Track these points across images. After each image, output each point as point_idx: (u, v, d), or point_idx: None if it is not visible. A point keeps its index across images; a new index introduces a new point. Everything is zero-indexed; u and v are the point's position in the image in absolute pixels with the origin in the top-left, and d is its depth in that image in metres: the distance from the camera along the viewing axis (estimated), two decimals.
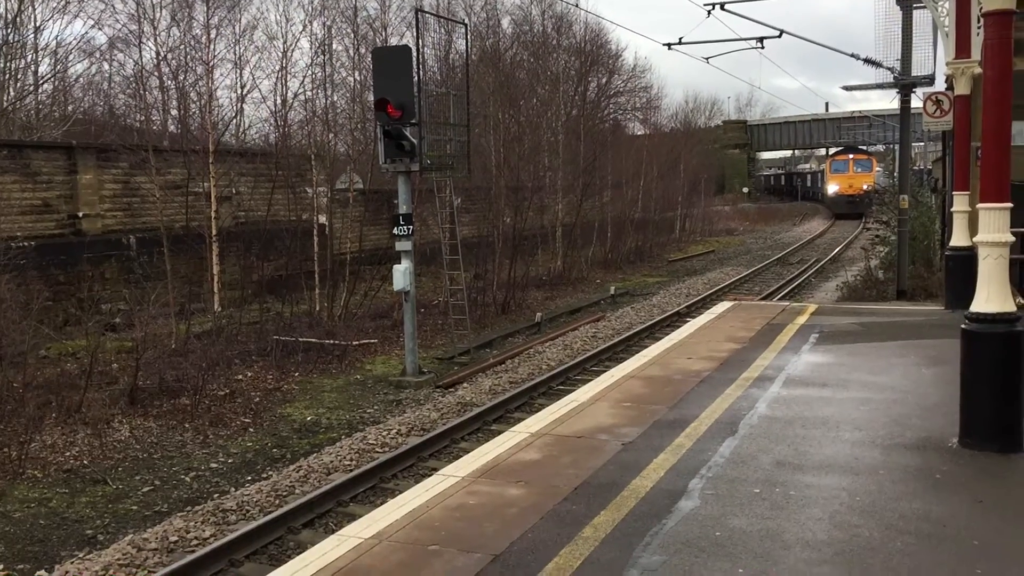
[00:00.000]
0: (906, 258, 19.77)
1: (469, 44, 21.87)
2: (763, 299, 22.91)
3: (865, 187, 58.49)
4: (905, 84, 19.57)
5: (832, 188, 64.57)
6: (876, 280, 22.75)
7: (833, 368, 9.92)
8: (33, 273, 16.53)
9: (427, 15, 19.87)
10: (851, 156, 64.44)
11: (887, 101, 32.50)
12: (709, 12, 20.40)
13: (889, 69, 19.80)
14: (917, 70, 19.57)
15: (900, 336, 12.02)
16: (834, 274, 30.12)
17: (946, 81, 15.52)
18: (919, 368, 9.85)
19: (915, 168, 36.74)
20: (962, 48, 12.48)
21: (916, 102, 19.90)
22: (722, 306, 15.69)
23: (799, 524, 5.45)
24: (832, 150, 75.36)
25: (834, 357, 10.57)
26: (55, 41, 28.23)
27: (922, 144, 54.24)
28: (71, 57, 27.41)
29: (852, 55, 20.46)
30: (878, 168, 56.84)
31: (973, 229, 10.19)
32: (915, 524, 5.41)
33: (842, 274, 27.55)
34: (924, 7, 17.67)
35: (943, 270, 15.25)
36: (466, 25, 22.14)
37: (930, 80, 19.68)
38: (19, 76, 25.24)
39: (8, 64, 24.39)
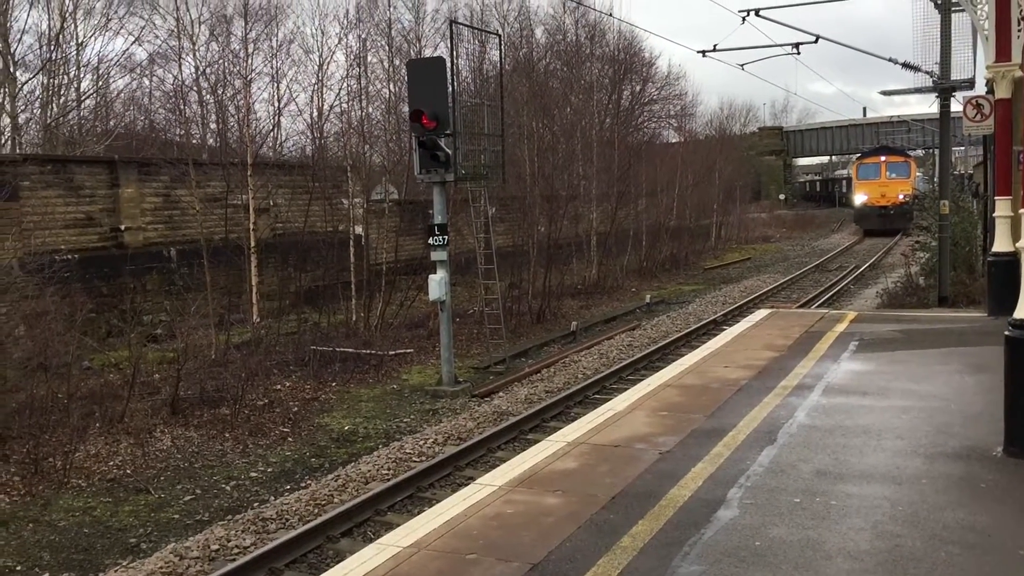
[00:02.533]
0: (947, 264, 19.45)
1: (503, 54, 21.96)
2: (801, 307, 22.71)
3: (902, 196, 49.17)
4: (944, 88, 19.29)
5: (860, 198, 52.45)
6: (917, 286, 22.42)
7: (874, 376, 9.80)
8: (77, 286, 16.82)
9: (461, 26, 19.98)
10: (883, 158, 52.46)
11: (926, 105, 32.00)
12: (744, 19, 20.28)
13: (928, 73, 19.52)
14: (956, 74, 19.29)
15: (942, 343, 11.85)
16: (874, 281, 29.72)
17: (986, 85, 15.30)
18: (962, 376, 9.70)
19: (956, 173, 36.00)
20: (1002, 51, 12.24)
21: (956, 106, 19.61)
22: (759, 314, 15.57)
23: (840, 534, 5.39)
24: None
25: (875, 365, 10.45)
26: (96, 58, 28.77)
27: (963, 148, 52.51)
28: (112, 73, 27.98)
29: (890, 59, 20.18)
30: (918, 173, 51.83)
31: (1016, 234, 10.03)
32: (959, 534, 5.33)
33: (882, 281, 27.17)
34: (963, 10, 17.42)
35: (985, 276, 15.02)
36: (500, 36, 22.24)
37: (970, 84, 19.39)
38: (62, 92, 25.79)
39: (51, 81, 24.92)
